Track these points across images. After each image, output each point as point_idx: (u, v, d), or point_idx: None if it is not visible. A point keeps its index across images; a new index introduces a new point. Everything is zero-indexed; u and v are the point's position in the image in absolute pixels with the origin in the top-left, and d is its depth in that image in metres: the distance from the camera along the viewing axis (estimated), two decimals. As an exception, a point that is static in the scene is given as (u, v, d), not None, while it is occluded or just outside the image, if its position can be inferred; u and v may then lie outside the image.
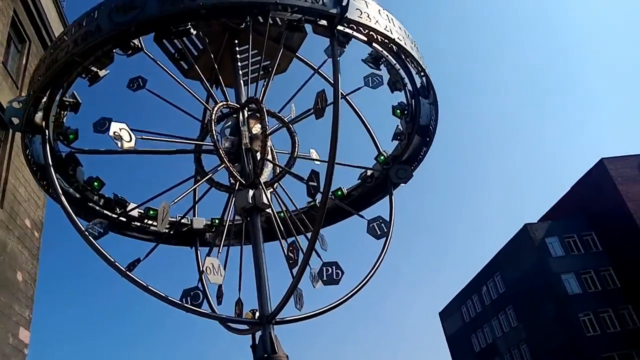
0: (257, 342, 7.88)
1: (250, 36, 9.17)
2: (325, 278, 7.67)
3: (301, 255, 8.28)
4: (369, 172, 11.51)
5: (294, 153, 10.21)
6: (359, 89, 9.77)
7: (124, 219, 11.17)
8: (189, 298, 8.42)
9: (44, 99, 8.32)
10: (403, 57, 8.62)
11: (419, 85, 9.33)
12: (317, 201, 10.86)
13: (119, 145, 7.50)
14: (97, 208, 11.01)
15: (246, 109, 10.43)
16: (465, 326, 55.37)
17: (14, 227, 15.40)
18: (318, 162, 10.74)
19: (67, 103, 8.39)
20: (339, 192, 11.89)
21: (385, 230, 9.22)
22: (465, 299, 55.46)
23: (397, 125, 10.55)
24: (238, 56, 11.42)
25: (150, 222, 11.69)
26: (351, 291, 9.29)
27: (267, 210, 9.67)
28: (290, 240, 9.25)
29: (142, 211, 11.57)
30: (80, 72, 7.87)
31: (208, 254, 10.06)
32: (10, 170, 15.65)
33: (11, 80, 16.03)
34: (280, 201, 9.99)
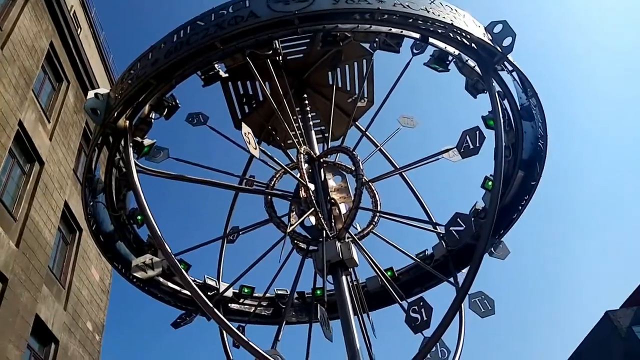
0: None
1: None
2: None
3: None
4: (429, 253, 10.60)
5: (377, 210, 9.25)
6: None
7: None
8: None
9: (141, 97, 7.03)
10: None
11: (526, 157, 8.89)
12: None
13: (248, 147, 6.24)
14: (122, 251, 9.18)
15: (322, 159, 9.57)
16: None
17: (76, 330, 15.77)
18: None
19: (165, 104, 7.09)
20: (389, 273, 10.79)
21: (490, 307, 8.08)
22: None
23: (477, 202, 9.91)
24: (308, 109, 10.78)
25: (175, 286, 9.85)
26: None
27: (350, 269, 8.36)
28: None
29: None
30: (201, 65, 6.74)
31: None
32: (75, 272, 16.39)
33: (80, 186, 17.45)
34: (369, 258, 8.68)
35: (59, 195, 15.99)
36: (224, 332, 10.08)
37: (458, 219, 6.62)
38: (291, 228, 7.63)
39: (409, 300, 10.60)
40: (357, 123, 11.80)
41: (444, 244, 10.29)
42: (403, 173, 11.11)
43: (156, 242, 6.17)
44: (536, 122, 8.19)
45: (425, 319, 6.60)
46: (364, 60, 10.77)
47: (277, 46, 6.84)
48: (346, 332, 7.38)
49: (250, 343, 6.08)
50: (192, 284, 6.18)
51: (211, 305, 6.11)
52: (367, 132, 11.48)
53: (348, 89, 11.26)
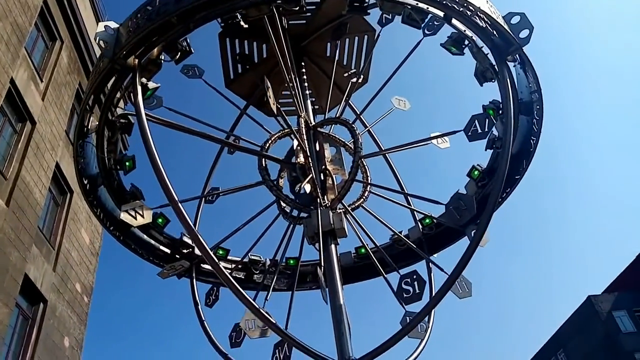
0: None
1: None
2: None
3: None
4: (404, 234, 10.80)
5: (369, 183, 9.31)
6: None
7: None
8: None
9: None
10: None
11: (515, 151, 9.15)
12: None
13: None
14: (102, 198, 8.83)
15: (317, 129, 9.51)
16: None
17: (65, 291, 15.88)
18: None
19: (178, 47, 6.82)
20: (362, 250, 10.95)
21: (467, 289, 8.34)
22: (527, 378, 46.73)
23: (459, 189, 10.16)
24: (305, 77, 10.64)
25: (155, 241, 9.58)
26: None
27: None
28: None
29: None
30: (225, 11, 6.51)
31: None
32: (65, 234, 16.33)
33: (72, 147, 16.89)
34: (360, 229, 8.78)
35: (50, 156, 15.77)
36: (196, 291, 9.97)
37: (460, 200, 6.77)
38: (298, 187, 7.57)
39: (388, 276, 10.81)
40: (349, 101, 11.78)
41: (420, 226, 10.52)
42: (387, 155, 11.22)
43: (162, 188, 5.94)
44: (533, 117, 8.45)
45: (417, 291, 6.76)
46: (366, 36, 10.75)
47: (303, 2, 6.69)
48: (333, 300, 7.45)
49: (249, 298, 6.05)
50: (200, 237, 6.03)
51: (215, 259, 6.01)
52: (359, 113, 11.50)
53: (345, 63, 11.22)
